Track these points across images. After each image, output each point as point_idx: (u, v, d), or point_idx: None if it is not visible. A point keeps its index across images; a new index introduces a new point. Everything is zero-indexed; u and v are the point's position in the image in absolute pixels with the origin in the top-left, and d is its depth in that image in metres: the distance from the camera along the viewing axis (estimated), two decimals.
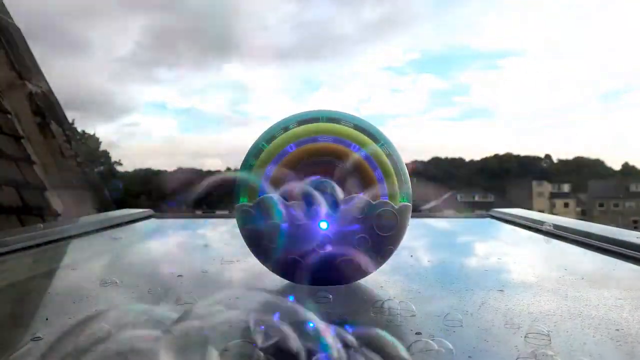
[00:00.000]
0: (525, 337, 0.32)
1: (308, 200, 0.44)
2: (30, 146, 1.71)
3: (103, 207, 1.77)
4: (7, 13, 1.84)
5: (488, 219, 1.10)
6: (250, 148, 0.48)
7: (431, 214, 1.19)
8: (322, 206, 0.43)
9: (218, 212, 1.22)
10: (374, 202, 0.44)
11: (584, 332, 0.34)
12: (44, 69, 1.93)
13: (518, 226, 0.94)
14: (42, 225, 0.82)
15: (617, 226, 0.78)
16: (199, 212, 1.27)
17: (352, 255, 0.44)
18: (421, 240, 0.83)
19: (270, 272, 0.47)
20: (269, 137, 0.47)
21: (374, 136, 0.47)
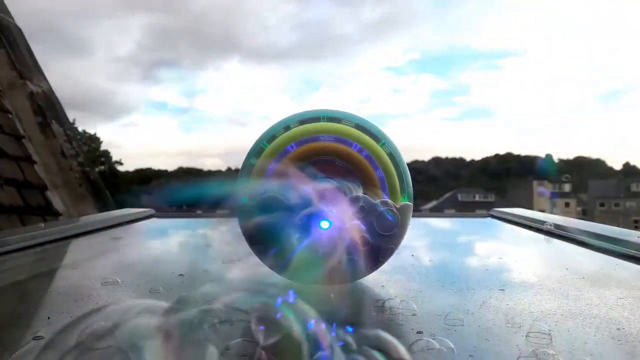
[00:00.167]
0: (526, 336, 0.32)
1: (309, 200, 0.44)
2: (31, 146, 1.71)
3: (104, 206, 1.77)
4: (8, 13, 1.84)
5: (489, 219, 1.10)
6: (251, 147, 0.48)
7: (432, 213, 1.19)
8: (323, 205, 0.43)
9: (219, 212, 1.22)
10: (374, 202, 0.44)
11: (585, 331, 0.34)
12: (44, 69, 1.93)
13: (519, 226, 0.94)
14: (43, 225, 0.82)
15: (618, 226, 0.78)
16: (199, 212, 1.27)
17: (354, 254, 0.44)
18: (422, 239, 0.83)
19: (271, 271, 0.47)
20: (269, 136, 0.47)
21: (375, 135, 0.47)
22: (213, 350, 0.25)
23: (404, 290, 0.47)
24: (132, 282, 0.50)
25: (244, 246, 0.48)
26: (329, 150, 0.45)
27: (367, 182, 0.45)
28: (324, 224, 0.43)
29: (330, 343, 0.25)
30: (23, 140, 1.68)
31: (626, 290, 0.46)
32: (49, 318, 0.38)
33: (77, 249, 0.77)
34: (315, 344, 0.25)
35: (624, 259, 0.59)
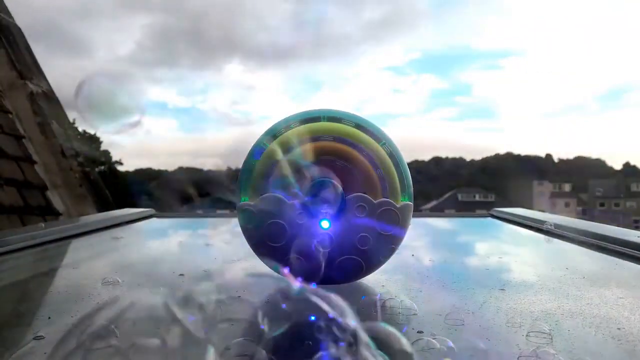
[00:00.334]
0: (526, 335, 0.32)
1: (309, 199, 0.44)
2: (31, 146, 1.71)
3: (104, 206, 1.77)
4: (7, 12, 1.84)
5: (489, 219, 1.10)
6: (252, 147, 0.48)
7: (432, 213, 1.19)
8: (324, 205, 0.43)
9: (219, 212, 1.22)
10: (375, 201, 0.44)
11: (585, 330, 0.34)
12: (44, 69, 1.93)
13: (519, 225, 0.94)
14: (43, 225, 0.82)
15: (618, 226, 0.78)
16: (200, 212, 1.27)
17: (354, 254, 0.44)
18: (422, 239, 0.83)
19: (272, 271, 0.47)
20: (270, 136, 0.47)
21: (376, 135, 0.47)
22: (212, 350, 0.25)
23: (404, 290, 0.47)
24: (132, 282, 0.50)
25: (245, 246, 0.48)
26: (329, 150, 0.45)
27: (367, 182, 0.45)
28: (324, 224, 0.43)
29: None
30: (23, 140, 1.68)
31: (626, 290, 0.46)
32: (49, 318, 0.38)
33: (77, 249, 0.77)
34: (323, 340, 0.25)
35: (624, 259, 0.59)
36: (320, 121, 0.47)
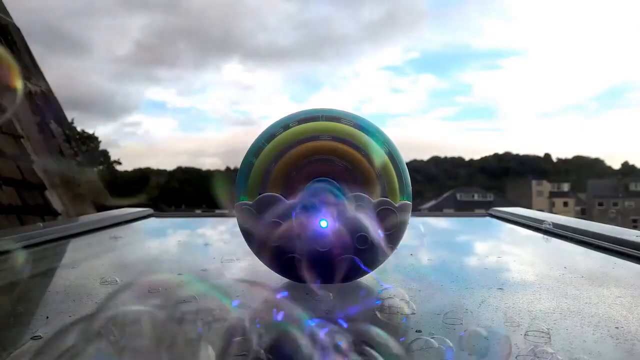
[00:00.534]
0: (525, 334, 0.32)
1: (308, 199, 0.44)
2: (29, 145, 1.71)
3: (102, 206, 1.77)
4: (6, 12, 1.84)
5: (488, 218, 1.10)
6: (251, 146, 0.48)
7: (431, 212, 1.19)
8: (322, 204, 0.43)
9: (217, 211, 1.22)
10: (374, 201, 0.44)
11: (583, 329, 0.34)
12: (43, 68, 1.93)
13: (518, 225, 0.94)
14: (41, 225, 0.82)
15: (616, 225, 0.79)
16: (198, 211, 1.26)
17: (352, 253, 0.44)
18: (421, 239, 0.83)
19: (270, 271, 0.47)
20: (269, 135, 0.47)
21: (374, 135, 0.47)
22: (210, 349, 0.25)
23: (403, 289, 0.47)
24: (130, 282, 0.50)
25: (243, 245, 0.48)
26: (328, 150, 0.45)
27: (366, 182, 0.45)
28: (323, 223, 0.43)
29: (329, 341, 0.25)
30: (22, 140, 1.68)
31: (624, 289, 0.46)
32: (47, 317, 0.38)
33: (75, 249, 0.77)
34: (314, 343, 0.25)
35: (622, 258, 0.59)
36: (319, 121, 0.47)
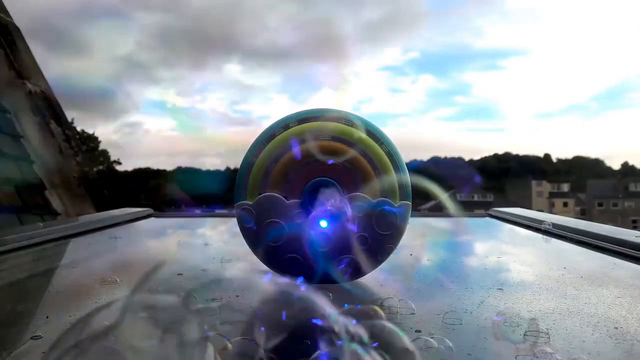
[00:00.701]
0: (524, 335, 0.32)
1: (308, 199, 0.44)
2: (29, 145, 1.71)
3: (102, 206, 1.77)
4: (6, 12, 1.84)
5: (487, 218, 1.10)
6: (251, 146, 0.48)
7: (430, 212, 1.19)
8: (322, 205, 0.43)
9: (217, 211, 1.22)
10: (373, 201, 0.44)
11: (582, 330, 0.34)
12: (43, 68, 1.93)
13: (517, 225, 0.94)
14: (41, 224, 0.82)
15: (616, 226, 0.79)
16: (198, 211, 1.27)
17: (352, 253, 0.44)
18: (421, 239, 0.83)
19: (270, 271, 0.47)
20: (268, 135, 0.47)
21: (374, 135, 0.47)
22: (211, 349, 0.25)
23: (402, 290, 0.47)
24: (130, 282, 0.50)
25: (243, 245, 0.48)
26: (327, 150, 0.45)
27: (365, 182, 0.45)
28: (323, 223, 0.43)
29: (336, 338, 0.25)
30: (21, 140, 1.68)
31: (624, 290, 0.46)
32: (47, 317, 0.38)
33: (75, 249, 0.77)
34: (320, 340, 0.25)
35: (621, 258, 0.59)
36: (318, 121, 0.47)
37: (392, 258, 0.48)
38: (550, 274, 0.54)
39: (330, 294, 0.42)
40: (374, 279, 0.49)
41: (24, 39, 1.90)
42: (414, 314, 0.37)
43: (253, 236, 0.46)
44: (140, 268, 0.62)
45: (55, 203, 1.69)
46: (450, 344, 0.29)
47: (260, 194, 0.45)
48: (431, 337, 0.30)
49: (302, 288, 0.26)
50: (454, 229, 1.02)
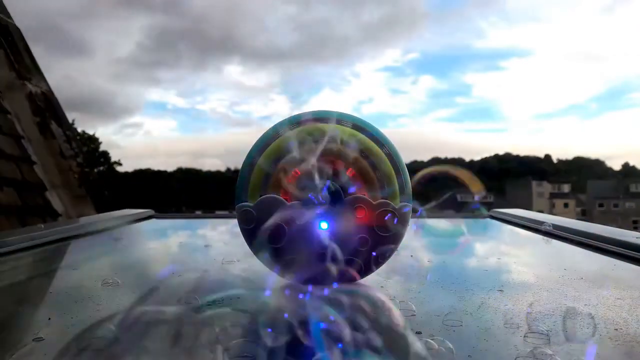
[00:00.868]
0: (524, 336, 0.32)
1: (309, 200, 0.44)
2: (30, 146, 1.71)
3: (103, 207, 1.77)
4: (7, 13, 1.84)
5: (488, 219, 1.10)
6: (252, 148, 0.48)
7: (431, 214, 1.19)
8: (323, 206, 0.43)
9: (218, 212, 1.22)
10: (374, 202, 0.44)
11: (582, 331, 0.34)
12: (44, 70, 1.93)
13: (517, 226, 0.94)
14: (42, 226, 0.82)
15: (617, 227, 0.79)
16: (199, 212, 1.27)
17: (353, 255, 0.44)
18: (421, 240, 0.83)
19: (271, 272, 0.47)
20: (269, 137, 0.47)
21: (374, 136, 0.47)
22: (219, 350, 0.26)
23: (402, 291, 0.47)
24: (132, 283, 0.50)
25: (244, 246, 0.48)
26: (328, 151, 0.45)
27: (366, 183, 0.45)
28: (324, 225, 0.43)
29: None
30: (22, 141, 1.68)
31: (624, 291, 0.46)
32: (49, 319, 0.39)
33: (76, 250, 0.77)
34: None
35: (622, 260, 0.59)
36: (320, 122, 0.47)
37: (392, 259, 0.48)
38: (551, 275, 0.54)
39: (330, 295, 0.42)
40: (374, 281, 0.49)
41: (25, 40, 1.90)
42: (414, 315, 0.38)
43: (253, 237, 0.46)
44: (142, 270, 0.63)
45: (56, 204, 1.69)
46: (451, 346, 0.30)
47: (261, 196, 0.45)
48: (431, 339, 0.30)
49: (303, 290, 0.26)
50: (454, 229, 1.03)
